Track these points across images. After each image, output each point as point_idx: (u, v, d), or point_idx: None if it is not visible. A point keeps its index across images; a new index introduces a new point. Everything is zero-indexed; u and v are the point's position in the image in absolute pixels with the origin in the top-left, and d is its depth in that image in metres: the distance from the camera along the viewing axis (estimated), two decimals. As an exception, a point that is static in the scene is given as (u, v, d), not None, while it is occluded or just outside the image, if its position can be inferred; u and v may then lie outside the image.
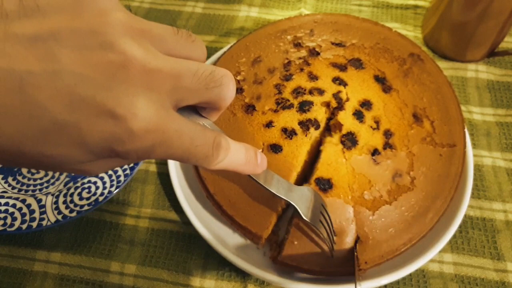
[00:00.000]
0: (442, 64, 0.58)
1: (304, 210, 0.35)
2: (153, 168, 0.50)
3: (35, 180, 0.49)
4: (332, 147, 0.43)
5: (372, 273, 0.42)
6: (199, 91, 0.23)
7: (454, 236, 0.45)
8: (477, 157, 0.50)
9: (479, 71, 0.57)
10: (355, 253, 0.39)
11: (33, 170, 0.49)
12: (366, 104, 0.45)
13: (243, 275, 0.43)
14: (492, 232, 0.45)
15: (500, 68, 0.58)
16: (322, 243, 0.39)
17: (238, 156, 0.27)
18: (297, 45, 0.51)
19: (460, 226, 0.44)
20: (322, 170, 0.42)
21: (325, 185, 0.41)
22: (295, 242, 0.39)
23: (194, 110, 0.26)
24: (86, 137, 0.20)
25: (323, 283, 0.40)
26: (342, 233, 0.39)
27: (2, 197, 0.46)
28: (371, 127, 0.44)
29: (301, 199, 0.35)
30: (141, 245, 0.46)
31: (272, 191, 0.33)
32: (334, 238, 0.39)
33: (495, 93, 0.55)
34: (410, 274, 0.43)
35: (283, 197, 0.34)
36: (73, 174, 0.25)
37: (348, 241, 0.39)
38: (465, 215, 0.44)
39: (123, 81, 0.20)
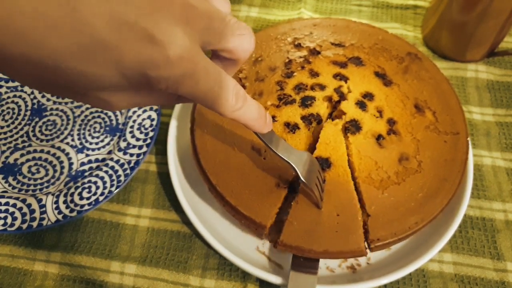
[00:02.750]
0: (442, 64, 0.58)
1: (302, 172, 0.36)
2: (153, 168, 0.50)
3: (35, 180, 0.49)
4: (330, 127, 0.44)
5: (371, 272, 0.42)
6: (226, 36, 0.25)
7: (454, 235, 0.45)
8: (477, 157, 0.50)
9: (479, 71, 0.57)
10: (367, 228, 0.39)
11: (34, 170, 0.49)
12: (368, 95, 0.46)
13: (243, 275, 0.43)
14: (492, 232, 0.45)
15: (500, 68, 0.58)
16: (323, 223, 0.39)
17: (252, 109, 0.28)
18: (298, 45, 0.51)
19: (460, 226, 0.44)
20: (320, 149, 0.42)
21: (323, 164, 0.41)
22: (295, 223, 0.39)
23: None
24: (124, 57, 0.20)
25: (324, 283, 0.40)
26: (343, 212, 0.39)
27: (3, 196, 0.46)
28: (374, 115, 0.44)
29: (301, 162, 0.37)
30: (141, 245, 0.46)
31: (276, 151, 0.35)
32: (323, 195, 0.40)
33: (495, 93, 0.55)
34: (410, 274, 0.43)
35: (285, 158, 0.35)
36: (94, 107, 0.27)
37: (349, 220, 0.39)
38: (465, 215, 0.44)
39: (165, 11, 0.21)
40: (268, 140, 0.34)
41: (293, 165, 0.36)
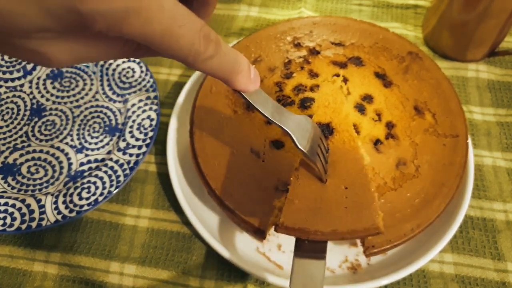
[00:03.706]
0: (443, 63, 0.58)
1: (300, 140, 0.31)
2: (152, 168, 0.50)
3: (34, 180, 0.49)
4: (328, 86, 0.39)
5: (372, 273, 0.42)
6: None
7: (455, 236, 0.45)
8: (478, 157, 0.50)
9: (480, 71, 0.57)
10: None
11: (33, 170, 0.49)
12: (367, 98, 0.45)
13: (243, 275, 0.43)
14: (493, 232, 0.45)
15: (500, 68, 0.57)
16: (329, 199, 0.33)
17: (229, 58, 0.24)
18: (297, 45, 0.51)
19: (460, 226, 0.43)
20: (319, 114, 0.37)
21: (325, 130, 0.37)
22: (296, 201, 0.34)
23: None
24: None
25: (324, 283, 0.40)
26: (352, 184, 0.34)
27: (2, 197, 0.46)
28: (372, 119, 0.44)
29: (298, 128, 0.31)
30: (141, 245, 0.45)
31: (267, 115, 0.29)
32: (326, 167, 0.34)
33: (495, 93, 0.55)
34: (411, 274, 0.43)
35: (277, 122, 0.30)
36: (31, 62, 0.21)
37: (359, 193, 0.34)
38: (465, 215, 0.44)
39: None
40: (256, 102, 0.29)
41: (288, 131, 0.30)
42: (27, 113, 0.54)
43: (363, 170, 0.34)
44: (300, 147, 0.31)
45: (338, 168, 0.35)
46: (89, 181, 0.47)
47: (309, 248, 0.33)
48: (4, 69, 0.55)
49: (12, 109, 0.54)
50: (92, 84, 0.56)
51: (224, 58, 0.23)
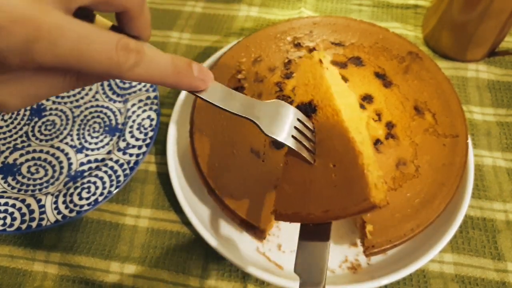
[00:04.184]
0: (443, 63, 0.58)
1: (268, 126, 0.30)
2: (152, 168, 0.50)
3: (34, 180, 0.49)
4: (306, 63, 0.37)
5: (372, 273, 0.42)
6: None
7: (455, 236, 0.45)
8: (478, 157, 0.50)
9: (480, 71, 0.57)
10: (363, 238, 0.38)
11: (33, 170, 0.49)
12: (367, 98, 0.46)
13: (243, 275, 0.43)
14: (493, 232, 0.45)
15: (500, 68, 0.57)
16: (318, 179, 0.32)
17: (160, 62, 0.24)
18: (297, 45, 0.51)
19: (460, 226, 0.43)
20: (300, 93, 0.35)
21: (308, 109, 0.34)
22: (286, 187, 0.33)
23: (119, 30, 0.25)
24: None
25: (326, 283, 0.40)
26: (340, 161, 0.31)
27: (2, 197, 0.46)
28: (372, 119, 0.44)
29: (266, 115, 0.30)
30: (140, 245, 0.45)
31: (226, 108, 0.28)
32: (314, 148, 0.33)
33: (495, 93, 0.55)
34: (411, 274, 0.43)
35: (240, 114, 0.29)
36: None
37: (348, 169, 0.31)
38: (465, 215, 0.44)
39: None
40: (213, 98, 0.28)
41: (253, 120, 0.29)
42: (27, 113, 0.54)
43: (349, 144, 0.31)
44: (267, 133, 0.30)
45: (325, 146, 0.32)
46: (89, 181, 0.47)
47: (313, 230, 0.32)
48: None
49: (12, 109, 0.54)
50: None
51: (151, 63, 0.23)
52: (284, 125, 0.31)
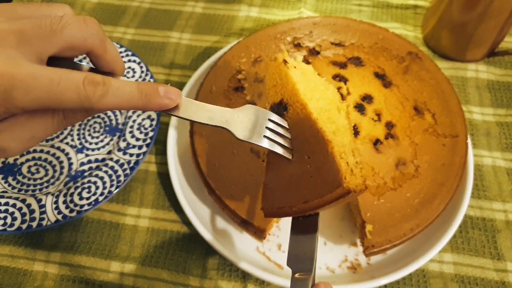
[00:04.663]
0: (442, 64, 0.58)
1: (239, 131, 0.32)
2: (153, 168, 0.50)
3: (35, 180, 0.49)
4: (272, 65, 0.38)
5: (372, 272, 0.42)
6: (49, 38, 0.25)
7: (454, 236, 0.45)
8: (477, 157, 0.50)
9: (479, 71, 0.57)
10: (362, 237, 0.38)
11: (33, 170, 0.49)
12: (367, 98, 0.46)
13: (243, 275, 0.43)
14: (492, 232, 0.45)
15: (500, 68, 0.58)
16: (296, 173, 0.33)
17: (126, 90, 0.27)
18: (297, 45, 0.51)
19: (460, 226, 0.44)
20: (271, 95, 0.37)
21: (280, 109, 0.35)
22: (270, 185, 0.34)
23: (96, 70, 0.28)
24: None
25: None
26: (313, 151, 0.33)
27: (2, 197, 0.46)
28: (372, 119, 0.44)
29: (236, 121, 0.32)
30: (141, 245, 0.45)
31: (199, 121, 0.31)
32: (291, 144, 0.34)
33: (495, 93, 0.55)
34: (410, 274, 0.43)
35: (212, 123, 0.31)
36: None
37: (320, 158, 0.32)
38: (465, 215, 0.44)
39: None
40: (187, 114, 0.30)
41: (224, 127, 0.31)
42: (28, 113, 0.54)
43: (318, 134, 0.33)
44: (239, 138, 0.32)
45: (300, 140, 0.34)
46: (89, 181, 0.47)
47: (303, 224, 0.34)
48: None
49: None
50: (92, 84, 0.56)
51: (118, 91, 0.26)
52: (256, 128, 0.32)
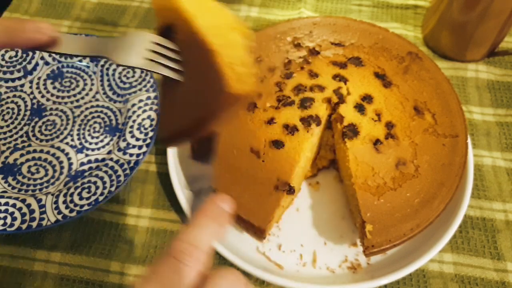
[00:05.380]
0: (442, 64, 0.58)
1: (118, 56, 0.30)
2: (153, 168, 0.50)
3: (35, 180, 0.49)
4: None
5: (372, 272, 0.42)
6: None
7: (454, 236, 0.45)
8: (477, 157, 0.50)
9: (479, 71, 0.57)
10: (363, 237, 0.39)
11: (33, 170, 0.49)
12: (367, 98, 0.46)
13: (243, 275, 0.43)
14: (492, 232, 0.45)
15: (500, 68, 0.58)
16: (186, 95, 0.31)
17: None
18: (297, 45, 0.51)
19: (460, 226, 0.44)
20: (158, 18, 0.35)
21: (168, 31, 0.33)
22: (164, 115, 0.33)
23: None
24: None
25: (324, 283, 0.40)
26: (201, 67, 0.31)
27: (2, 197, 0.46)
28: (372, 119, 0.44)
29: (117, 47, 0.31)
30: (141, 245, 0.45)
31: (73, 53, 0.30)
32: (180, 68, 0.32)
33: (495, 93, 0.55)
34: (410, 274, 0.43)
35: (89, 54, 0.30)
36: None
37: (210, 69, 0.30)
38: (465, 215, 0.44)
39: None
40: (66, 49, 0.29)
41: (104, 55, 0.30)
42: (28, 113, 0.54)
43: (205, 47, 0.30)
44: (118, 62, 0.30)
45: (190, 61, 0.32)
46: (89, 181, 0.47)
47: (201, 150, 0.33)
48: (5, 69, 0.56)
49: (13, 109, 0.54)
50: (92, 84, 0.56)
51: None
52: (137, 51, 0.31)
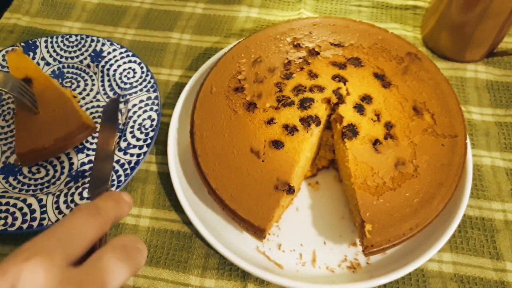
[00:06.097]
0: (442, 64, 0.58)
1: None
2: (153, 167, 0.51)
3: (36, 179, 0.49)
4: (14, 55, 0.54)
5: (371, 272, 0.42)
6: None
7: (453, 235, 0.45)
8: (476, 157, 0.50)
9: (478, 71, 0.58)
10: (362, 236, 0.39)
11: (34, 170, 0.49)
12: (366, 98, 0.46)
13: (243, 275, 0.43)
14: (491, 231, 0.46)
15: (499, 68, 0.58)
16: (39, 125, 0.49)
17: None
18: (297, 46, 0.51)
19: (459, 226, 0.44)
20: (16, 74, 0.52)
21: (26, 81, 0.51)
22: (21, 133, 0.48)
23: None
24: None
25: (324, 282, 0.41)
26: (58, 106, 0.51)
27: (3, 196, 0.46)
28: (371, 119, 0.44)
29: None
30: (141, 244, 0.46)
31: None
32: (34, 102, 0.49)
33: (494, 93, 0.56)
34: (410, 274, 0.43)
35: None
36: None
37: (66, 108, 0.50)
38: (464, 215, 0.44)
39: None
40: None
41: None
42: (29, 113, 0.54)
43: (61, 95, 0.51)
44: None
45: (46, 101, 0.50)
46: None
47: (100, 159, 0.42)
48: (6, 69, 0.56)
49: (13, 109, 0.54)
50: (93, 85, 0.56)
51: None
52: (8, 83, 0.46)
